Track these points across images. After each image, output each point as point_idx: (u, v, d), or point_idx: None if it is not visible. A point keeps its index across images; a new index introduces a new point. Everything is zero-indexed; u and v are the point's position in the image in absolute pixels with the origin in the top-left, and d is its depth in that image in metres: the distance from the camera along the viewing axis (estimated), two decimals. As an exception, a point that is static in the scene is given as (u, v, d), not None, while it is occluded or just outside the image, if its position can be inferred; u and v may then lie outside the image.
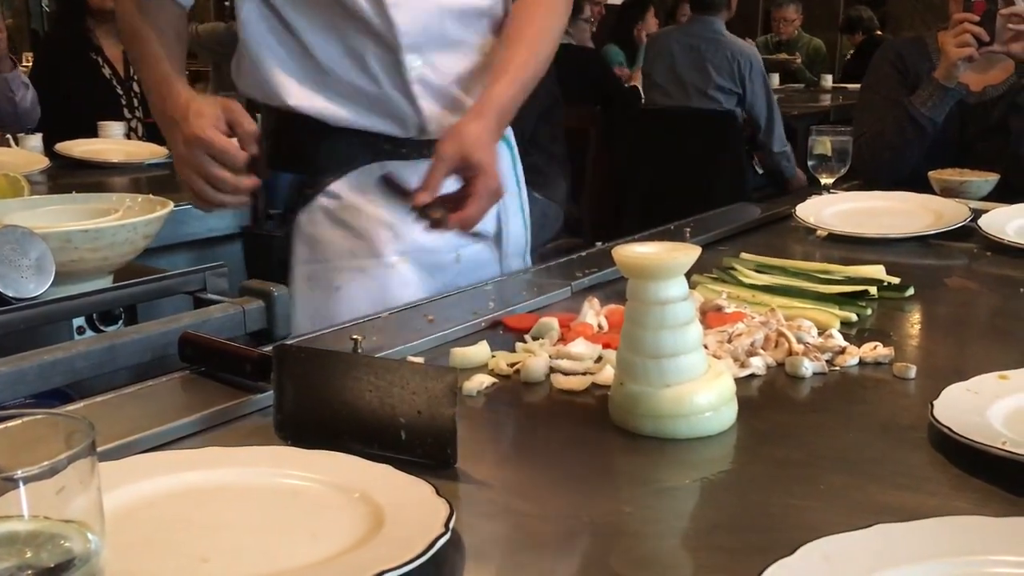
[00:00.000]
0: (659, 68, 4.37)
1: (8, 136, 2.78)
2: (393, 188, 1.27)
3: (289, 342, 1.06)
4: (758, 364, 1.01)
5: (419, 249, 1.37)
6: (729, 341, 1.05)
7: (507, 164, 1.46)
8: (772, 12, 7.29)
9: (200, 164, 1.19)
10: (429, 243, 1.36)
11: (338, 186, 1.34)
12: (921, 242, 1.64)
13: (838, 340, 1.06)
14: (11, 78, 3.04)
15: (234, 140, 1.19)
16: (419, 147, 1.33)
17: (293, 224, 1.35)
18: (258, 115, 1.37)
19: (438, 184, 1.18)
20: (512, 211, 1.48)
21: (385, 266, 1.35)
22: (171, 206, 1.42)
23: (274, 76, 1.30)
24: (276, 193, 1.37)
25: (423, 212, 1.18)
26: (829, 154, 1.95)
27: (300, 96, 1.30)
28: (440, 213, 1.18)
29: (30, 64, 4.28)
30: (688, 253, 0.86)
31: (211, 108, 1.20)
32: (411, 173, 1.31)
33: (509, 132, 1.49)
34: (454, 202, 1.19)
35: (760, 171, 4.54)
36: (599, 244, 1.61)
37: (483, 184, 1.19)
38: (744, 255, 1.44)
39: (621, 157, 4.46)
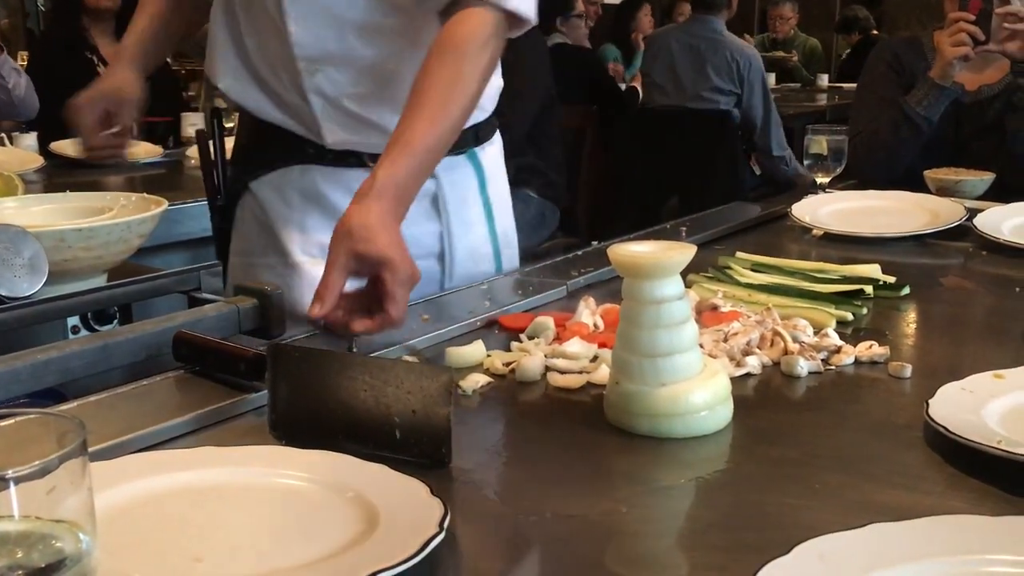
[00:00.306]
0: (658, 67, 4.37)
1: (2, 135, 2.77)
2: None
3: (284, 341, 1.06)
4: (754, 363, 1.01)
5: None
6: (725, 340, 1.05)
7: (474, 188, 1.42)
8: (768, 10, 7.29)
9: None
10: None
11: (259, 184, 1.38)
12: (917, 241, 1.64)
13: (834, 339, 1.06)
14: (1, 61, 3.00)
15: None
16: (343, 156, 1.33)
17: (234, 216, 1.43)
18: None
19: (334, 293, 1.01)
20: (460, 229, 1.40)
21: (290, 265, 1.35)
22: (165, 205, 1.42)
23: (218, 63, 1.36)
24: (219, 186, 1.49)
25: (327, 325, 1.01)
26: (825, 153, 1.95)
27: (234, 87, 1.36)
28: (348, 323, 1.01)
29: (25, 63, 4.27)
30: (683, 252, 0.86)
31: (100, 89, 1.39)
32: (333, 181, 1.34)
33: (482, 152, 1.43)
34: (367, 300, 1.04)
35: (757, 172, 4.55)
36: (595, 243, 1.61)
37: (391, 279, 1.01)
38: (740, 254, 1.44)
39: (617, 156, 4.47)
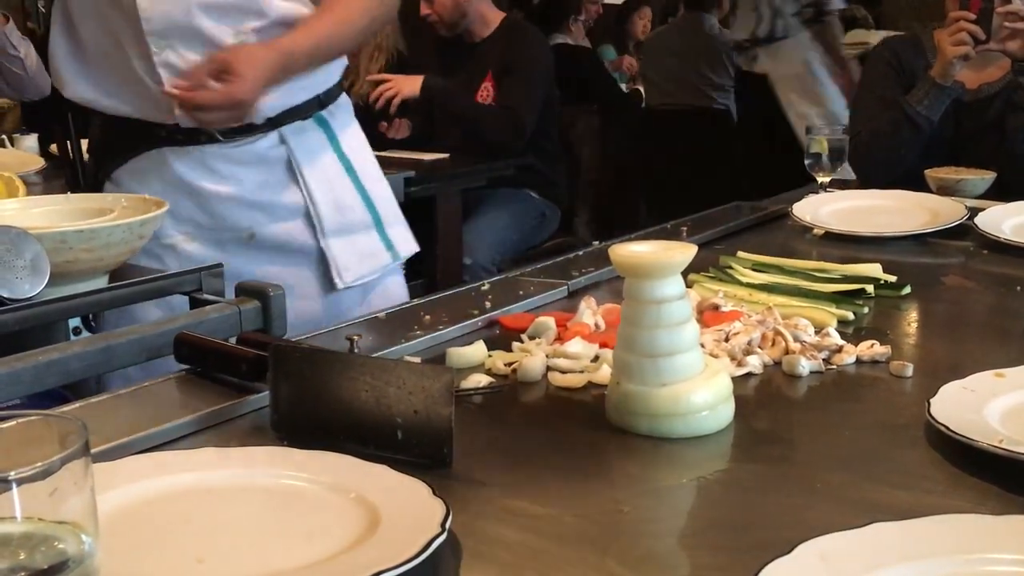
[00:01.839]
0: (656, 68, 4.37)
1: (3, 136, 2.77)
2: None
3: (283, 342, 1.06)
4: (755, 363, 1.01)
5: (202, 227, 1.44)
6: (726, 340, 1.05)
7: (327, 147, 1.51)
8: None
9: None
10: (212, 222, 1.44)
11: (118, 174, 1.45)
12: (918, 240, 1.64)
13: (835, 339, 1.06)
14: (8, 31, 2.98)
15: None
16: (194, 134, 1.41)
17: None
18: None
19: (197, 77, 1.29)
20: (320, 187, 1.48)
21: (164, 246, 1.42)
22: (166, 206, 1.42)
23: (61, 73, 1.43)
24: (87, 179, 1.58)
25: (181, 106, 1.31)
26: (825, 153, 1.95)
27: (75, 88, 1.42)
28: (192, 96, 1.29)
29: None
30: (684, 252, 0.86)
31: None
32: (188, 160, 1.42)
33: (328, 114, 1.52)
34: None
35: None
36: (595, 243, 1.61)
37: (228, 86, 1.28)
38: (741, 254, 1.44)
39: (618, 156, 4.47)
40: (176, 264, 1.40)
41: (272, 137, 1.46)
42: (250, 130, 1.43)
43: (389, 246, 1.56)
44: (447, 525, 0.64)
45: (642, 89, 4.70)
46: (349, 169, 1.53)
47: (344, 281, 1.49)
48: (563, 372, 0.99)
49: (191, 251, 1.43)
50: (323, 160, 1.50)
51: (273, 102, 1.41)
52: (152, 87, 1.37)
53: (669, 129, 4.30)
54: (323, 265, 1.49)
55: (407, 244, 1.59)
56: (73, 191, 1.55)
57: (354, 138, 1.56)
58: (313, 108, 1.49)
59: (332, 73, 1.52)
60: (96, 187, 1.48)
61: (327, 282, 1.49)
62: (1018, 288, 1.36)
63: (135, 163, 1.44)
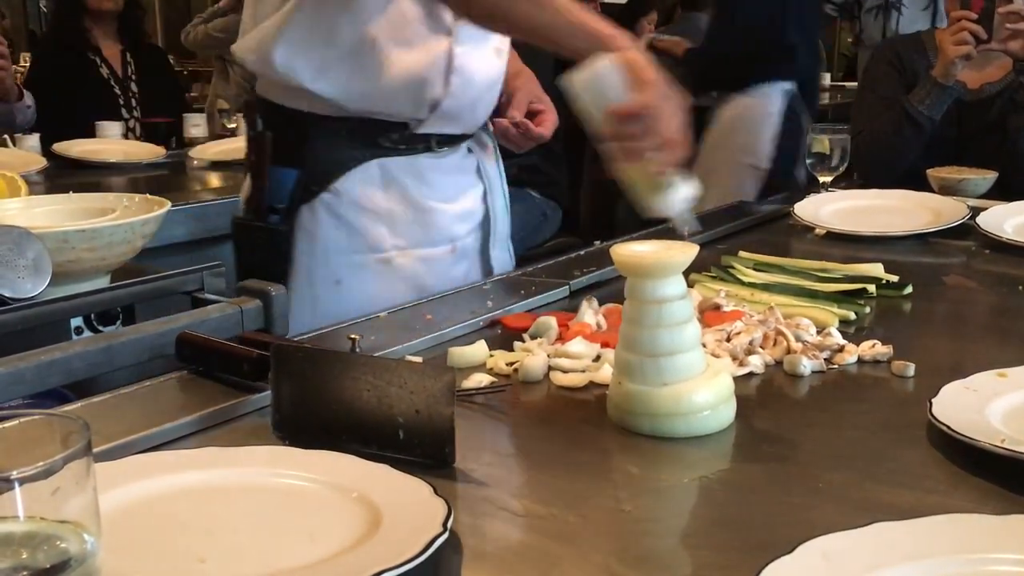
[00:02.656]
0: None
1: (5, 136, 2.77)
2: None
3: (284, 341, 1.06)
4: (756, 363, 1.01)
5: (416, 242, 1.40)
6: (727, 339, 1.05)
7: (493, 152, 1.52)
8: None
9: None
10: (426, 236, 1.40)
11: (340, 183, 1.37)
12: (919, 240, 1.64)
13: (837, 338, 1.06)
14: (18, 108, 2.97)
15: None
16: (416, 141, 1.38)
17: (296, 219, 1.37)
18: (257, 116, 1.41)
19: (524, 108, 1.46)
20: (494, 195, 1.51)
21: (383, 261, 1.38)
22: (168, 206, 1.42)
23: (296, 66, 1.31)
24: (279, 187, 1.39)
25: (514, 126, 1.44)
26: (827, 152, 1.95)
27: (317, 83, 1.31)
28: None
29: (28, 64, 4.28)
30: (686, 252, 0.86)
31: None
32: (409, 170, 1.37)
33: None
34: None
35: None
36: (597, 243, 1.61)
37: (551, 116, 1.47)
38: (742, 253, 1.44)
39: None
40: (393, 278, 1.38)
41: (465, 145, 1.46)
42: (461, 139, 1.43)
43: (512, 255, 1.58)
44: (449, 524, 0.64)
45: None
46: (503, 178, 1.55)
47: None
48: (564, 372, 0.99)
49: (403, 267, 1.40)
50: (494, 169, 1.52)
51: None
52: (436, 73, 1.33)
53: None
54: (486, 274, 1.50)
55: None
56: (255, 210, 1.41)
57: (519, 161, 1.61)
58: (492, 114, 1.50)
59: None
60: (304, 199, 1.37)
61: None
62: (1020, 288, 1.35)
63: (358, 173, 1.37)
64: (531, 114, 1.48)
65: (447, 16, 1.33)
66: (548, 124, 1.48)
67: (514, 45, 1.51)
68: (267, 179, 1.39)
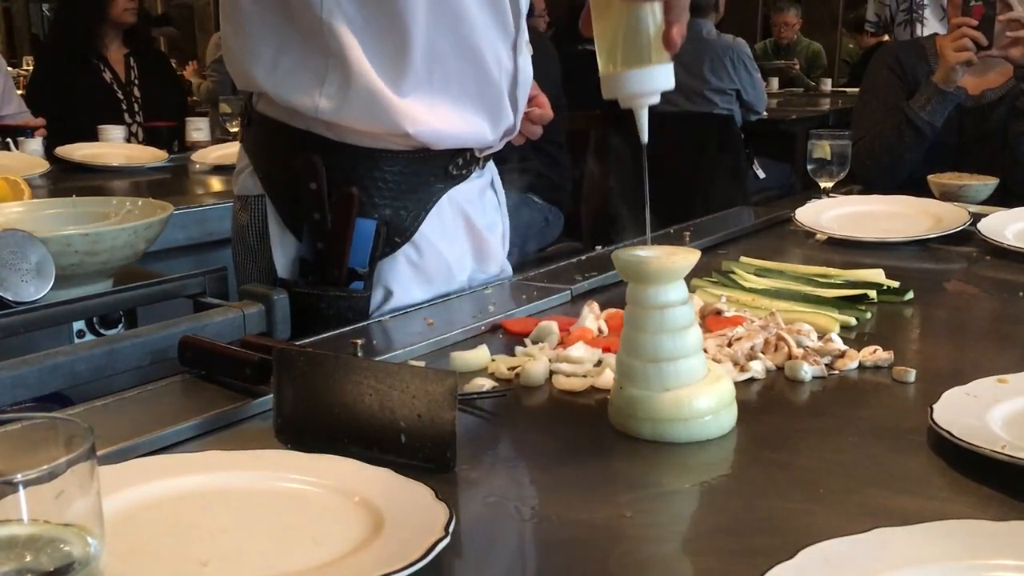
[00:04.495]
0: None
1: (8, 140, 2.78)
2: None
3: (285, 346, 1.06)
4: (757, 368, 1.01)
5: (473, 274, 1.36)
6: (729, 345, 1.05)
7: (492, 165, 1.45)
8: (772, 17, 7.29)
9: None
10: (482, 265, 1.36)
11: (423, 227, 1.24)
12: (920, 246, 1.64)
13: (838, 344, 1.06)
14: None
15: None
16: (476, 162, 1.31)
17: (373, 279, 1.22)
18: (316, 158, 1.19)
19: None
20: (505, 207, 1.48)
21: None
22: (171, 210, 1.42)
23: (388, 100, 1.15)
24: (356, 245, 1.20)
25: None
26: (828, 158, 1.95)
27: (416, 121, 1.16)
28: None
29: (31, 68, 4.28)
30: (687, 257, 0.86)
31: None
32: (465, 195, 1.29)
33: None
34: None
35: (762, 175, 4.56)
36: (599, 248, 1.61)
37: (545, 101, 1.38)
38: (744, 259, 1.45)
39: (621, 161, 4.47)
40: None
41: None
42: (489, 158, 1.35)
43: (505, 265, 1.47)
44: (450, 529, 0.64)
45: None
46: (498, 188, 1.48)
47: None
48: (566, 376, 0.99)
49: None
50: (498, 181, 1.45)
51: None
52: (502, 94, 1.22)
53: (673, 134, 4.30)
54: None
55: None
56: (326, 277, 1.21)
57: (522, 166, 1.59)
58: None
59: None
60: (386, 252, 1.22)
61: None
62: (1021, 294, 1.36)
63: (435, 212, 1.24)
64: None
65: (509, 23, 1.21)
66: (543, 103, 1.37)
67: None
68: (349, 243, 1.18)
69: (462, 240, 1.31)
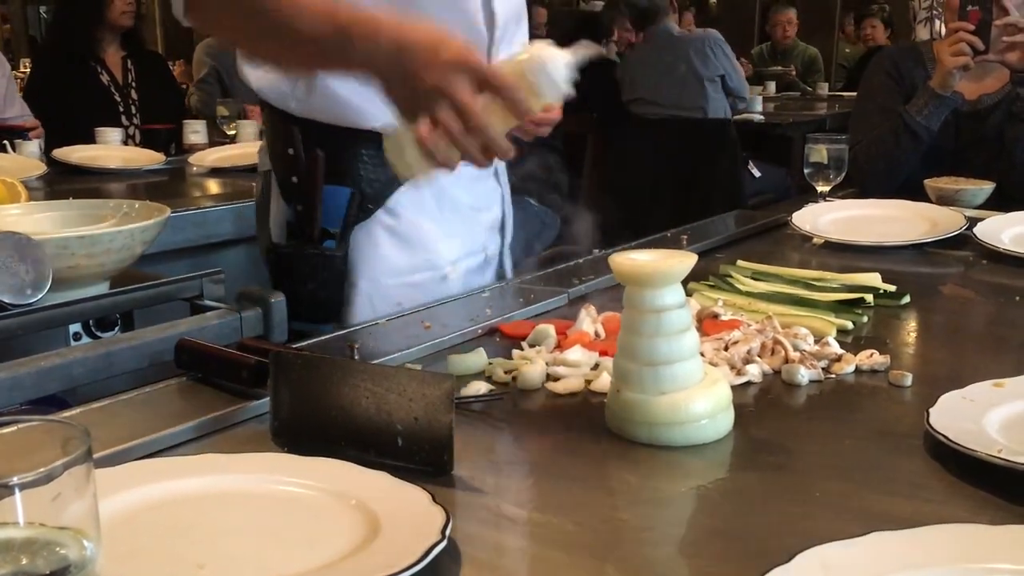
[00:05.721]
0: (643, 86, 4.40)
1: (5, 142, 2.77)
2: None
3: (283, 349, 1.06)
4: (754, 372, 1.01)
5: (465, 254, 1.40)
6: (725, 349, 1.05)
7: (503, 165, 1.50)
8: (772, 16, 7.28)
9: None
10: (471, 247, 1.40)
11: (395, 198, 1.32)
12: (917, 250, 1.64)
13: (834, 348, 1.06)
14: None
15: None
16: None
17: (349, 241, 1.31)
18: (294, 128, 1.30)
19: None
20: (508, 197, 1.50)
21: (440, 278, 1.36)
22: (168, 212, 1.42)
23: (352, 102, 1.24)
24: (330, 209, 1.30)
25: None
26: (825, 162, 1.96)
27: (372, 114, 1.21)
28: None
29: (28, 70, 4.28)
30: (684, 261, 0.86)
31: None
32: (455, 179, 1.28)
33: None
34: None
35: (758, 175, 4.57)
36: (596, 251, 1.62)
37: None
38: (740, 263, 1.45)
39: (618, 164, 4.48)
40: (448, 292, 1.34)
41: None
42: None
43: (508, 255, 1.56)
44: (447, 532, 0.64)
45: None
46: (503, 183, 1.52)
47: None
48: (563, 380, 0.99)
49: (455, 281, 1.36)
50: (503, 170, 1.49)
51: None
52: None
53: (670, 139, 4.31)
54: (500, 277, 1.50)
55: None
56: (302, 236, 1.31)
57: (518, 169, 1.58)
58: None
59: None
60: (360, 217, 1.31)
61: None
62: (1017, 298, 1.36)
63: (412, 189, 1.30)
64: None
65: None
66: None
67: None
68: (319, 202, 1.29)
69: (443, 214, 1.35)
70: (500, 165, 1.48)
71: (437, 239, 1.36)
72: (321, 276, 1.30)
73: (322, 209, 1.29)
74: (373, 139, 1.24)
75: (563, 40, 1.02)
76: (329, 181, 1.29)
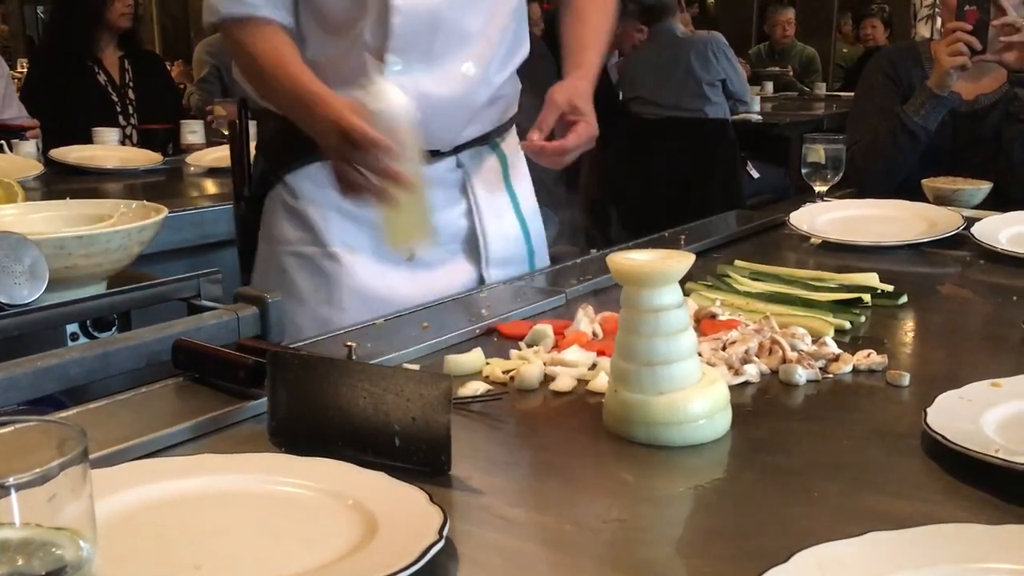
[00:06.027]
0: (643, 86, 4.40)
1: (2, 142, 2.77)
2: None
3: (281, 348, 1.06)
4: (752, 372, 1.01)
5: (370, 240, 1.40)
6: (723, 348, 1.05)
7: (498, 176, 1.50)
8: (770, 16, 7.28)
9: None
10: (378, 238, 1.40)
11: (293, 177, 1.41)
12: (914, 250, 1.65)
13: (832, 347, 1.06)
14: None
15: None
16: None
17: (261, 207, 1.46)
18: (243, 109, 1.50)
19: (549, 125, 1.34)
20: (490, 215, 1.48)
21: (329, 256, 1.40)
22: (165, 212, 1.42)
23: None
24: (253, 177, 1.49)
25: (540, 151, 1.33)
26: (823, 162, 1.96)
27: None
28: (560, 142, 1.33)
29: (25, 70, 4.28)
30: (682, 261, 0.86)
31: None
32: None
33: (503, 141, 1.51)
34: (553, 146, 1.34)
35: (756, 175, 4.57)
36: (593, 251, 1.62)
37: (584, 127, 1.34)
38: (738, 263, 1.45)
39: (616, 165, 4.48)
40: (339, 273, 1.39)
41: (450, 160, 1.44)
42: (437, 154, 1.39)
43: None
44: (444, 532, 0.64)
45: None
46: (514, 201, 1.52)
47: None
48: (561, 380, 0.99)
49: (351, 265, 1.40)
50: (495, 190, 1.50)
51: (469, 129, 1.42)
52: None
53: (668, 139, 4.31)
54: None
55: None
56: (238, 190, 1.53)
57: (521, 170, 1.56)
58: (493, 135, 1.48)
59: (515, 99, 1.52)
60: (264, 188, 1.44)
61: None
62: (1014, 298, 1.36)
63: (314, 168, 1.39)
64: (567, 124, 1.36)
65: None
66: (572, 137, 1.33)
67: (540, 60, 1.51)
68: (239, 167, 1.49)
69: (340, 204, 1.36)
70: (485, 181, 1.47)
71: (328, 218, 1.39)
72: (239, 234, 1.53)
73: (241, 176, 1.50)
74: (280, 117, 1.37)
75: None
76: (258, 151, 1.49)
